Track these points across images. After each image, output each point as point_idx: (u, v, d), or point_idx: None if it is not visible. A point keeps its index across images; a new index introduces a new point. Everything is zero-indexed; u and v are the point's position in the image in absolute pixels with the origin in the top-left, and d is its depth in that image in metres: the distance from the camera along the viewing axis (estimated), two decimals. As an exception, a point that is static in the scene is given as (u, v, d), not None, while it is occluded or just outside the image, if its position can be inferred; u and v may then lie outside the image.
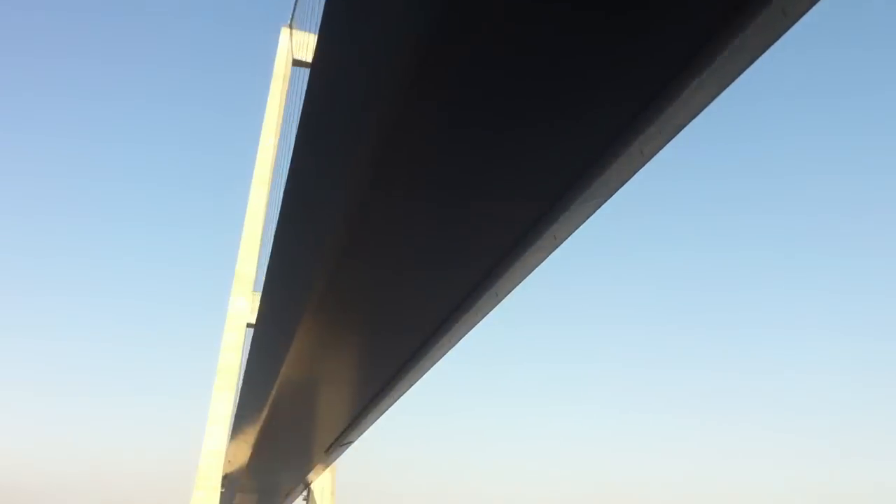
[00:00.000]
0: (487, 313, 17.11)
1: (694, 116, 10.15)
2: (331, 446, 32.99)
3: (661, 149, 10.95)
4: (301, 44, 55.71)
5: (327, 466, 44.60)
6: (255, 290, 51.95)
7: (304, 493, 52.12)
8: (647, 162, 11.23)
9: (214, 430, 48.44)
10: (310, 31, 48.87)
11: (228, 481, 49.38)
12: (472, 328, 18.08)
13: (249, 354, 28.77)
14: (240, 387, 50.48)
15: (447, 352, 19.93)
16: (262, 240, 52.68)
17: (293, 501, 53.53)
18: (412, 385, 22.94)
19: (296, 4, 57.24)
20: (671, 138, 10.74)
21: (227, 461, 48.47)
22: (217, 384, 49.38)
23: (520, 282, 15.33)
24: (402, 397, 24.49)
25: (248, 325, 51.17)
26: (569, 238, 13.47)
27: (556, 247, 13.72)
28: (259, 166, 54.72)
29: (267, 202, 53.66)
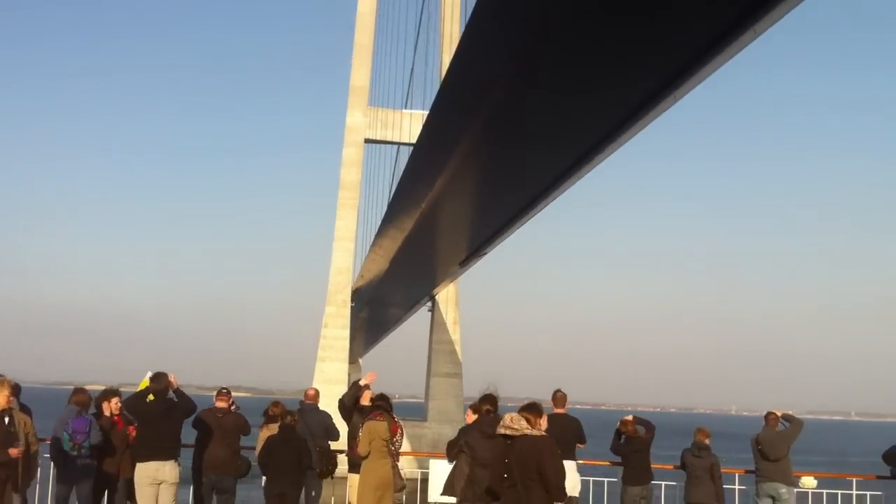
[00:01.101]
0: (655, 118, 16.21)
1: None
2: (467, 258, 33.03)
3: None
4: None
5: (456, 278, 44.84)
6: (370, 104, 50.75)
7: (430, 303, 52.83)
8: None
9: (341, 246, 48.65)
10: None
11: (358, 296, 50.15)
12: (628, 140, 17.21)
13: (405, 170, 28.17)
14: (362, 203, 50.60)
15: (596, 165, 19.14)
16: (373, 50, 50.88)
17: (417, 311, 54.47)
18: (558, 196, 22.34)
19: None
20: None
21: (361, 276, 49.12)
22: (340, 201, 49.04)
23: (711, 73, 14.14)
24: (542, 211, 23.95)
25: (366, 141, 50.38)
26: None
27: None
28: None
29: (376, 8, 51.00)
